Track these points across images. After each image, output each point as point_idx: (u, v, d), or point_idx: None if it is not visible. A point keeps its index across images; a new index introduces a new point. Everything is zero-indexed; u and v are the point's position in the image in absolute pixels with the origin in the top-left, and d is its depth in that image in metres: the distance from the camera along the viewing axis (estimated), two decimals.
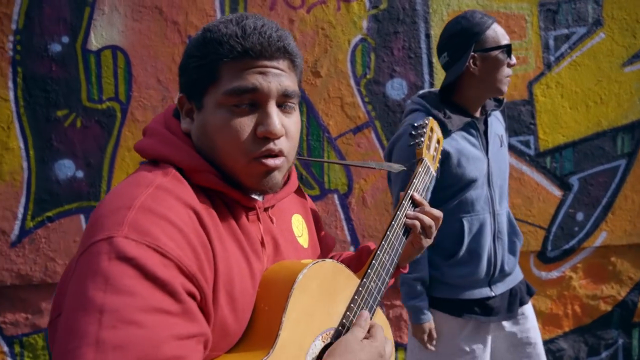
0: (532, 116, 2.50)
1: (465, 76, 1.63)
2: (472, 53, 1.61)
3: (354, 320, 0.87)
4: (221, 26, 0.78)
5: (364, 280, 0.93)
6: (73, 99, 2.26)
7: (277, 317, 0.78)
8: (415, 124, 1.25)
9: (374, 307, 0.93)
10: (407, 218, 1.04)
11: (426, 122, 1.25)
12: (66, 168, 2.30)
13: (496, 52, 1.61)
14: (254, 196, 0.86)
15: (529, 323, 1.73)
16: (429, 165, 1.19)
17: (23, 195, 2.30)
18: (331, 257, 1.19)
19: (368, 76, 2.39)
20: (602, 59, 2.50)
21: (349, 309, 0.88)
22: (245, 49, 0.76)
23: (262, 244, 0.85)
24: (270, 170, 0.79)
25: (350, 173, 2.43)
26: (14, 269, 2.32)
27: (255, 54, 0.76)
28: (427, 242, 1.08)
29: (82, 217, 2.33)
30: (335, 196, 2.43)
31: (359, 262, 1.12)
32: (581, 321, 2.70)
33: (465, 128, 1.64)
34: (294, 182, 0.97)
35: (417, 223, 1.03)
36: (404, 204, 1.06)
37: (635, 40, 2.51)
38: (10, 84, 2.24)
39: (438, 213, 1.07)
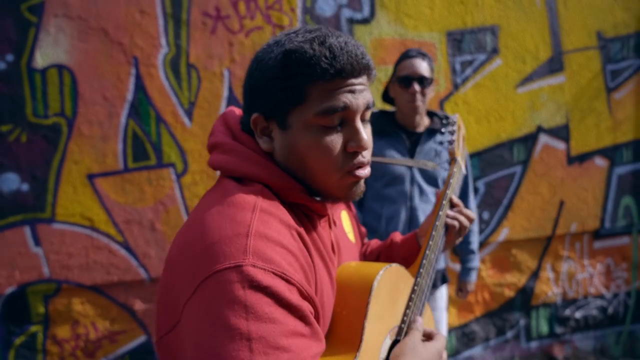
0: None
1: (394, 100, 2.03)
2: (394, 81, 1.99)
3: (412, 324, 0.92)
4: (306, 47, 0.76)
5: (418, 279, 0.99)
6: (18, 115, 2.34)
7: (359, 323, 0.83)
8: (446, 121, 1.30)
9: (424, 302, 1.00)
10: (448, 217, 1.11)
11: (454, 119, 1.27)
12: (10, 181, 2.36)
13: (398, 82, 1.97)
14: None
15: (436, 304, 2.07)
16: (461, 165, 1.23)
17: None
18: (364, 247, 1.25)
19: None
20: (499, 81, 2.94)
21: (407, 306, 0.95)
22: (337, 70, 0.76)
23: (334, 249, 0.90)
24: (361, 179, 0.83)
25: None
26: None
27: (347, 74, 0.77)
28: (458, 241, 1.15)
29: (26, 228, 2.39)
30: None
31: (389, 253, 1.19)
32: (489, 306, 3.11)
33: (393, 139, 1.99)
34: None
35: (457, 223, 1.11)
36: (444, 204, 1.12)
37: (525, 66, 2.97)
38: None
39: (472, 214, 1.14)
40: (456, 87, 2.88)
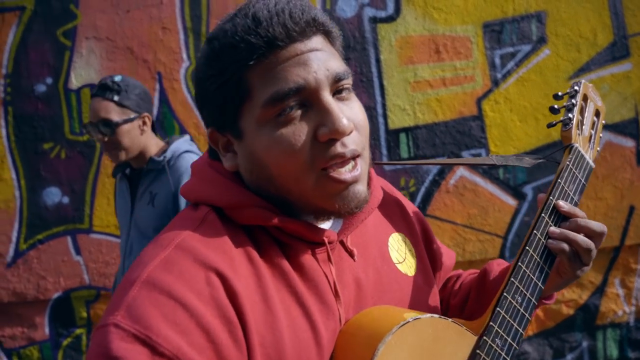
0: (483, 130, 2.64)
1: None
2: None
3: None
4: (227, 26, 0.61)
5: (485, 338, 0.68)
6: (57, 133, 2.53)
7: None
8: (561, 93, 0.87)
9: None
10: (551, 239, 0.74)
11: (576, 88, 0.88)
12: (53, 195, 2.56)
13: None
14: (323, 226, 0.68)
15: None
16: (582, 153, 0.83)
17: (16, 220, 2.56)
18: (449, 280, 0.95)
19: None
20: (548, 74, 2.63)
21: None
22: (267, 40, 0.58)
23: (336, 293, 0.66)
24: (350, 184, 0.62)
25: None
26: (10, 287, 2.58)
27: (282, 40, 0.59)
28: (583, 271, 0.76)
29: (68, 238, 2.57)
30: None
31: (483, 290, 0.86)
32: (544, 325, 2.79)
33: (122, 178, 1.83)
34: (376, 195, 0.72)
35: (566, 247, 0.73)
36: (544, 218, 0.75)
37: (579, 54, 2.63)
38: (3, 122, 2.52)
39: (600, 227, 0.74)
40: (496, 83, 2.62)
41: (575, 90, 0.87)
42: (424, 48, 2.56)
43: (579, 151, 0.83)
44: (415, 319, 0.63)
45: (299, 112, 0.60)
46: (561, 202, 0.76)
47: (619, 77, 2.65)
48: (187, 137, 1.83)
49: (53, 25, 2.47)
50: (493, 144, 2.65)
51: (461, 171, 2.65)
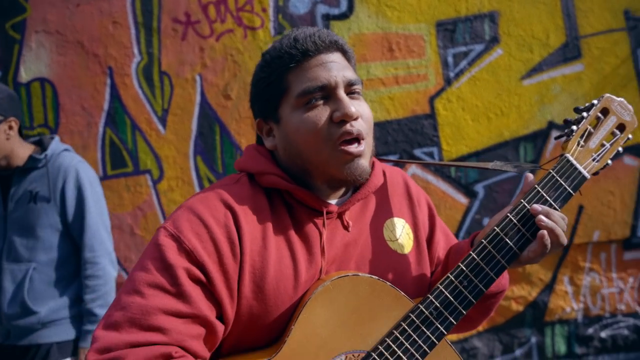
0: (435, 129, 2.66)
1: None
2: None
3: None
4: (276, 44, 0.90)
5: (420, 306, 0.81)
6: None
7: (290, 326, 0.79)
8: (582, 107, 0.93)
9: (433, 340, 0.79)
10: (540, 223, 0.83)
11: (594, 102, 0.93)
12: None
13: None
14: (330, 201, 0.90)
15: None
16: (573, 164, 0.88)
17: None
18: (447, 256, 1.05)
19: None
20: (500, 74, 2.65)
21: (389, 335, 0.79)
22: (302, 51, 0.86)
23: (322, 250, 0.86)
24: (355, 156, 0.85)
25: None
26: None
27: (312, 52, 0.86)
28: (538, 260, 0.87)
29: None
30: None
31: (445, 267, 1.01)
32: (494, 321, 2.84)
33: None
34: (374, 181, 0.94)
35: (547, 235, 0.83)
36: (510, 218, 0.84)
37: (532, 54, 2.65)
38: None
39: (563, 239, 0.85)
40: (449, 82, 2.63)
41: (592, 104, 0.92)
42: (377, 46, 2.57)
43: (569, 161, 0.88)
44: (354, 275, 0.81)
45: (321, 102, 0.86)
46: (536, 206, 0.85)
47: (571, 78, 2.67)
48: (57, 137, 1.86)
49: (2, 18, 2.45)
50: (445, 142, 2.67)
51: (413, 169, 2.67)
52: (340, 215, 0.91)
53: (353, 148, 0.85)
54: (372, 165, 0.94)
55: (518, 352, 2.87)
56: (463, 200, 2.72)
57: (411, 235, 0.97)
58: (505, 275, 0.98)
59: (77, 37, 2.47)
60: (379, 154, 2.63)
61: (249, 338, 0.84)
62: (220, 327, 0.81)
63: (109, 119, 2.53)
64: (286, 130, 0.88)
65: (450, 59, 2.62)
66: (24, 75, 2.49)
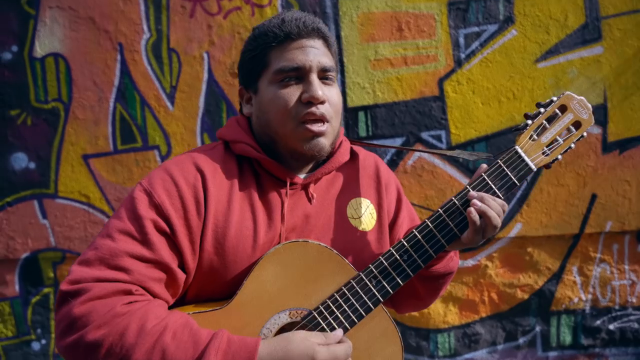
0: (443, 111, 2.61)
1: None
2: None
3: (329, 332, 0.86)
4: (265, 22, 0.99)
5: (361, 274, 0.89)
6: (23, 100, 2.60)
7: (243, 281, 0.89)
8: (543, 102, 0.99)
9: (370, 305, 0.87)
10: (471, 208, 0.90)
11: (553, 98, 0.99)
12: (20, 160, 2.65)
13: None
14: (300, 175, 1.00)
15: None
16: (522, 156, 0.94)
17: None
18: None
19: None
20: (514, 56, 2.56)
21: (331, 297, 0.88)
22: (285, 33, 0.94)
23: (282, 217, 0.95)
24: (316, 135, 0.94)
25: None
26: None
27: (294, 35, 0.94)
28: (478, 242, 0.94)
29: (35, 202, 2.68)
30: None
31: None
32: (498, 308, 2.81)
33: None
34: (338, 158, 1.02)
35: (478, 218, 0.90)
36: (454, 201, 0.92)
37: (548, 36, 2.55)
38: None
39: (496, 220, 0.91)
40: (459, 63, 2.57)
41: (552, 100, 0.98)
42: (386, 25, 2.52)
43: (517, 153, 0.95)
44: (304, 241, 0.91)
45: (294, 82, 0.95)
46: (473, 192, 0.93)
47: (589, 61, 2.56)
48: None
49: None
50: (454, 125, 2.62)
51: (420, 153, 2.63)
52: (305, 188, 0.99)
53: (315, 127, 0.93)
54: (340, 145, 1.03)
55: (521, 340, 2.84)
56: None
57: (374, 216, 1.03)
58: (454, 258, 1.04)
59: (88, 13, 2.52)
60: (386, 135, 2.60)
61: (208, 289, 0.93)
62: (181, 275, 0.91)
63: (119, 95, 2.58)
64: (261, 101, 0.98)
65: (461, 40, 2.55)
66: (39, 51, 2.56)
